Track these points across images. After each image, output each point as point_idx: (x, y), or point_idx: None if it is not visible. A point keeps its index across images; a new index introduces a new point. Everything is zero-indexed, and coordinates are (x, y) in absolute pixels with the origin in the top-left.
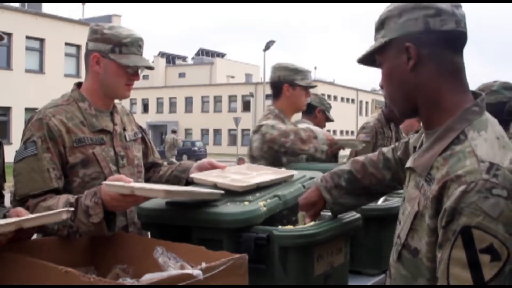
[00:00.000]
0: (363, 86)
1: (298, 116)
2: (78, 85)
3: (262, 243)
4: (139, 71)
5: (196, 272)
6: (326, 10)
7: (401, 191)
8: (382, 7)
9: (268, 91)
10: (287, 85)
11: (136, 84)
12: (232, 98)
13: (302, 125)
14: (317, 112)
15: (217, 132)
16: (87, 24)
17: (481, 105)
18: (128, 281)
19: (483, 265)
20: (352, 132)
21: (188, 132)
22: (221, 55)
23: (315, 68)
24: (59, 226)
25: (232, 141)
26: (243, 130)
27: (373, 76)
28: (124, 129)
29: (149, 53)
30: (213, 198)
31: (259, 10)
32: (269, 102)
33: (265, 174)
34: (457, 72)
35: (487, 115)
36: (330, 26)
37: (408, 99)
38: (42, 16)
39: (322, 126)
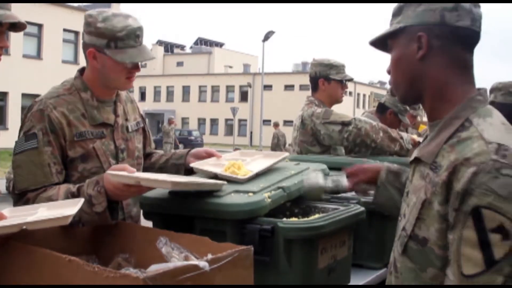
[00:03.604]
0: (360, 79)
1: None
2: (82, 71)
3: (266, 235)
4: (140, 63)
5: (202, 263)
6: (327, 3)
7: None
8: (383, 5)
9: (266, 81)
10: (322, 79)
11: None
12: (229, 88)
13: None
14: (388, 114)
15: (214, 121)
16: (86, 10)
17: (484, 95)
18: (131, 270)
19: (493, 244)
20: None
21: (185, 121)
22: (219, 44)
23: (314, 60)
24: None
25: (229, 131)
26: (240, 120)
27: (370, 69)
28: (127, 119)
29: (147, 41)
30: (217, 188)
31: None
32: (266, 92)
33: (259, 158)
34: (465, 68)
35: (493, 109)
36: (329, 17)
37: (412, 87)
38: (40, 2)
39: (394, 128)
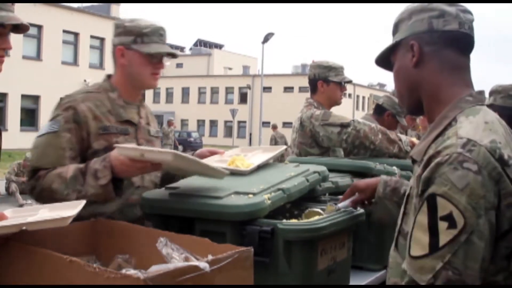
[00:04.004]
0: (360, 81)
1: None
2: (109, 77)
3: (266, 236)
4: (164, 60)
5: (203, 264)
6: (326, 4)
7: None
8: (381, 6)
9: (265, 83)
10: (321, 81)
11: None
12: (229, 90)
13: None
14: (386, 115)
15: (213, 123)
16: (85, 12)
17: (476, 97)
18: (132, 271)
19: (440, 231)
20: None
21: (184, 123)
22: (219, 46)
23: (313, 61)
24: (68, 191)
25: (228, 132)
26: (239, 122)
27: (370, 71)
28: (148, 124)
29: None
30: (219, 176)
31: (259, 2)
32: (265, 94)
33: (259, 153)
34: (459, 70)
35: (485, 108)
36: (329, 19)
37: (413, 95)
38: (40, 3)
39: (392, 130)
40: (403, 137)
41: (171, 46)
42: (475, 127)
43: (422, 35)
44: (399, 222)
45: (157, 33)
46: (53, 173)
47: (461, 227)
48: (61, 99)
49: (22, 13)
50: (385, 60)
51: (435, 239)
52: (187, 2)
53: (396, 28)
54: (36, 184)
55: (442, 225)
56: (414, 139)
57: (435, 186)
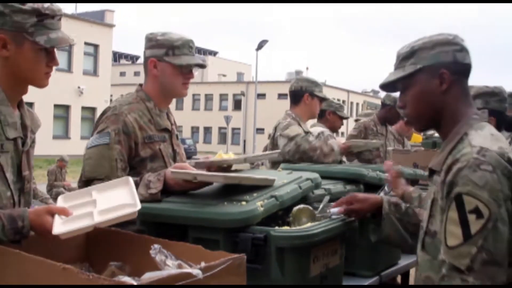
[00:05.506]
0: (354, 87)
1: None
2: (140, 86)
3: (259, 243)
4: (193, 70)
5: (195, 271)
6: (319, 10)
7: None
8: (377, 8)
9: (259, 90)
10: (308, 94)
11: (127, 80)
12: (223, 97)
13: (317, 129)
14: (328, 114)
15: (207, 130)
16: (80, 19)
17: (480, 115)
18: (126, 278)
19: (470, 222)
20: (343, 133)
21: (178, 129)
22: (213, 53)
23: (307, 68)
24: None
25: (222, 139)
26: (233, 129)
27: (363, 78)
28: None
29: (140, 50)
30: (270, 184)
31: (252, 9)
32: (259, 101)
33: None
34: (468, 94)
35: (488, 123)
36: (322, 26)
37: (435, 116)
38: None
39: (337, 126)
40: (335, 146)
41: None
42: (484, 137)
43: (450, 65)
44: (424, 224)
45: (187, 46)
46: None
47: (487, 216)
48: (105, 111)
49: None
50: (390, 84)
51: (467, 229)
52: (181, 2)
53: (412, 54)
54: None
55: (471, 217)
56: (345, 144)
57: (460, 187)
